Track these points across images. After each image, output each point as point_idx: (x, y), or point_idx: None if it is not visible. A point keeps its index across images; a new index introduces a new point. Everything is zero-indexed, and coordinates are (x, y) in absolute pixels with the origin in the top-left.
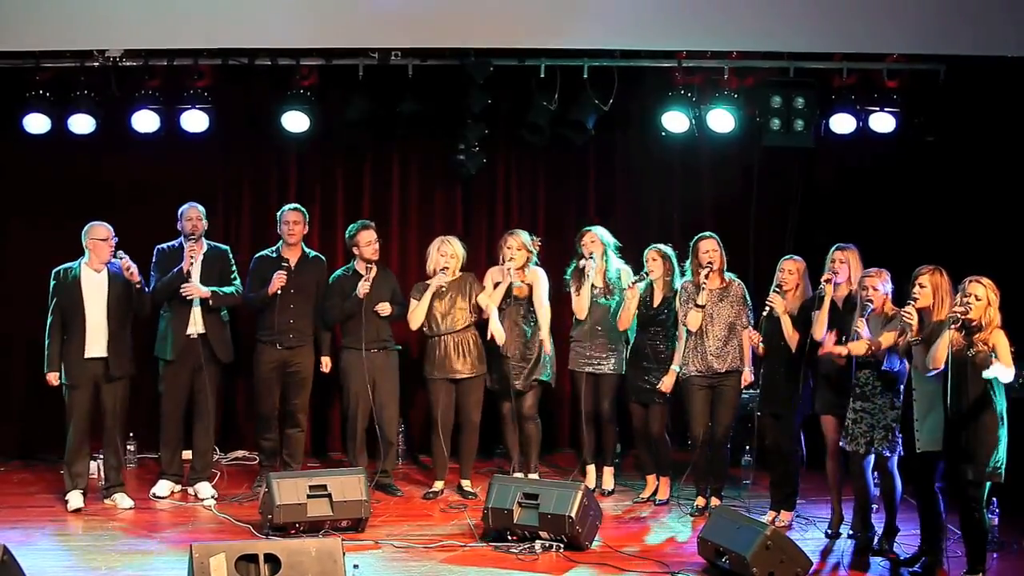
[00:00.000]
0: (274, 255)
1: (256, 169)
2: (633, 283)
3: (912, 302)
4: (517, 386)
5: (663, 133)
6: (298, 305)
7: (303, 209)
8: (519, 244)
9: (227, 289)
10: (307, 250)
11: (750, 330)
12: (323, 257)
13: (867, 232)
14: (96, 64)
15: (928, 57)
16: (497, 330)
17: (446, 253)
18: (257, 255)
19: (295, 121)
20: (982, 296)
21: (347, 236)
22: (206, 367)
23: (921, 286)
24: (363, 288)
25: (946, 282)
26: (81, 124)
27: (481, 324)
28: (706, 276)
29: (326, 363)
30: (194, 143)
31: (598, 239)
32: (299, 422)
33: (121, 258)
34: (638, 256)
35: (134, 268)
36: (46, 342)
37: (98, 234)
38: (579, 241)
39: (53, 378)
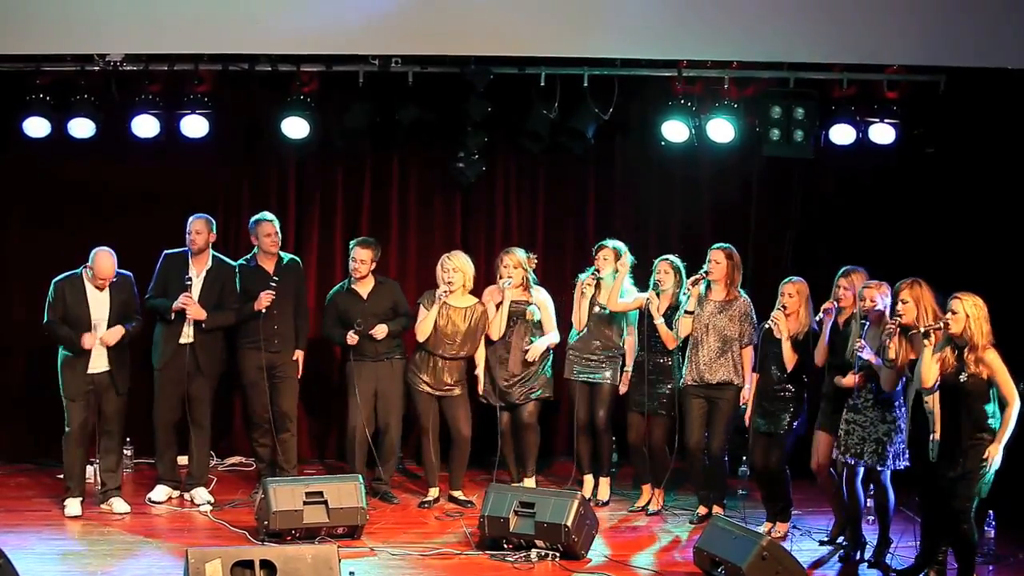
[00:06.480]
0: (252, 264)
1: (256, 175)
2: (647, 296)
3: (897, 319)
4: (516, 399)
5: (663, 142)
6: (281, 310)
7: (275, 218)
8: (516, 262)
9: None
10: (282, 254)
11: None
12: (298, 259)
13: (866, 243)
14: (96, 68)
15: (928, 68)
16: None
17: (448, 268)
18: (235, 265)
19: (295, 127)
20: (959, 310)
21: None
22: (196, 375)
23: (903, 301)
24: (351, 339)
25: (927, 292)
26: (81, 128)
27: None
28: (693, 283)
29: (299, 356)
30: (194, 148)
31: (610, 258)
32: (289, 426)
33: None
34: (636, 265)
35: (111, 337)
36: (59, 332)
37: (101, 272)
38: (595, 254)
39: (88, 338)
